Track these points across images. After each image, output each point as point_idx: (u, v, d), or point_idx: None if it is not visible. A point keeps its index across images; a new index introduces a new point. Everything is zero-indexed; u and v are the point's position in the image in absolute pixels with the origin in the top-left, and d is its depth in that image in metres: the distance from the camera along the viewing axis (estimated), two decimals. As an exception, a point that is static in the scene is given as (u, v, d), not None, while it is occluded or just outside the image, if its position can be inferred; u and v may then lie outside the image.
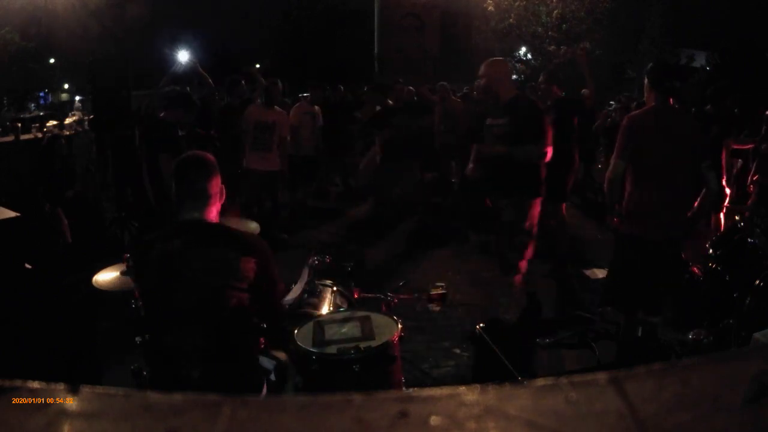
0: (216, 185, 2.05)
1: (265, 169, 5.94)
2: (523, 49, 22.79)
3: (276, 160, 6.04)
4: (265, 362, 2.28)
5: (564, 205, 5.61)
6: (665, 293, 3.44)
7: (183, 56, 8.64)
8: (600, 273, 5.29)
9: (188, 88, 5.80)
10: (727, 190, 4.93)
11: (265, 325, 2.20)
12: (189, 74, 6.39)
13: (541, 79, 5.61)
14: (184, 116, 4.46)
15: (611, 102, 16.34)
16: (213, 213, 2.05)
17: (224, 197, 2.11)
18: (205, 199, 2.01)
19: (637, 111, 3.27)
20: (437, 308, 4.59)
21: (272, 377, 2.27)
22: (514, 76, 23.23)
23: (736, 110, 6.09)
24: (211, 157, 2.13)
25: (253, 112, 5.98)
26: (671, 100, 3.13)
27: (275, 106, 6.16)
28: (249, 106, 6.05)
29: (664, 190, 3.08)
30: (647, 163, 3.07)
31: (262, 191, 6.12)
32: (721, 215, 5.12)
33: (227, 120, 6.00)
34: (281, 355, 2.43)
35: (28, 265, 3.39)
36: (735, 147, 5.36)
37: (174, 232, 1.99)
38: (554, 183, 5.41)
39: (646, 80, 3.21)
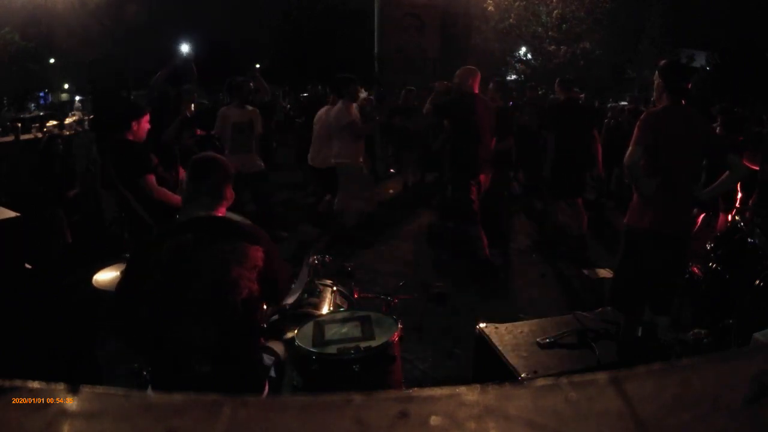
0: (229, 189, 2.15)
1: (246, 172, 5.77)
2: (523, 49, 22.80)
3: (257, 160, 6.01)
4: (266, 359, 2.30)
5: (580, 200, 6.02)
6: (672, 292, 3.46)
7: (184, 48, 8.77)
8: (600, 273, 5.30)
9: (178, 86, 5.76)
10: (739, 194, 4.93)
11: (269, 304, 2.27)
12: (185, 69, 6.35)
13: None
14: (139, 127, 4.03)
15: (611, 103, 16.36)
16: (221, 213, 2.12)
17: (232, 200, 2.16)
18: (216, 199, 2.10)
19: (655, 108, 3.29)
20: (437, 308, 4.59)
21: (272, 373, 2.28)
22: (514, 76, 23.29)
23: (735, 109, 6.12)
24: (226, 160, 2.23)
25: (229, 114, 5.85)
26: (683, 100, 3.15)
27: (247, 105, 6.04)
28: (222, 108, 6.00)
29: (675, 189, 3.11)
30: (660, 162, 3.09)
31: (249, 192, 6.08)
32: (729, 216, 5.13)
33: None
34: (278, 347, 2.44)
35: (28, 265, 3.39)
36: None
37: (184, 227, 2.02)
38: (568, 180, 5.81)
39: (658, 79, 3.21)
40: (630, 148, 3.15)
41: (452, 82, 5.49)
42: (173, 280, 1.90)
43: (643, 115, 3.26)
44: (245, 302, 1.93)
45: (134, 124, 4.00)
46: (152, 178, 3.92)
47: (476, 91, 5.27)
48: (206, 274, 1.90)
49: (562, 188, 5.94)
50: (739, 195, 4.92)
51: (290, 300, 2.92)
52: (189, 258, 1.92)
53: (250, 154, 5.92)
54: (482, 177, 5.43)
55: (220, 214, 2.09)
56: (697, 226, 4.60)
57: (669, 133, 3.09)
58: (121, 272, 2.09)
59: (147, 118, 4.09)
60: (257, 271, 1.96)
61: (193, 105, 5.65)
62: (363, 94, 8.48)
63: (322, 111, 6.28)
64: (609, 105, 11.66)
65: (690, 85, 3.24)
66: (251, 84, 6.28)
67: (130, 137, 3.99)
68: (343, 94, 5.99)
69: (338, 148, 5.95)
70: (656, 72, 3.26)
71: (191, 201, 2.09)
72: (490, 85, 7.21)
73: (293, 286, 3.13)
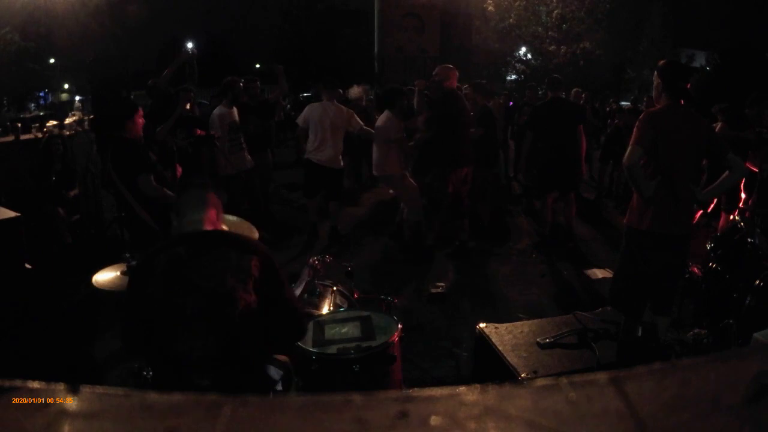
0: (212, 195, 2.15)
1: (245, 169, 5.89)
2: (523, 49, 22.80)
3: (249, 158, 6.03)
4: (272, 371, 2.28)
5: (573, 194, 6.30)
6: (672, 292, 3.46)
7: (189, 45, 8.89)
8: (600, 273, 5.30)
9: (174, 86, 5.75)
10: (742, 194, 4.94)
11: (284, 334, 2.20)
12: (187, 67, 6.32)
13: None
14: (134, 126, 4.03)
15: (611, 101, 16.35)
16: (211, 221, 2.11)
17: (220, 204, 2.16)
18: (203, 210, 2.10)
19: (654, 108, 3.28)
20: (437, 308, 4.59)
21: (279, 387, 2.26)
22: (514, 76, 23.30)
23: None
24: (203, 172, 2.22)
25: (223, 114, 5.82)
26: (683, 100, 3.15)
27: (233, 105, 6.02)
28: (216, 110, 5.96)
29: (674, 189, 3.10)
30: (659, 162, 3.09)
31: (245, 191, 6.07)
32: (731, 217, 5.13)
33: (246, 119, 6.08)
34: (284, 359, 2.43)
35: (28, 265, 3.40)
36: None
37: (177, 241, 2.02)
38: (556, 174, 6.04)
39: (657, 79, 3.20)
40: (629, 148, 3.14)
41: (432, 80, 5.70)
42: (169, 294, 1.89)
43: (641, 115, 3.24)
44: (243, 314, 1.92)
45: (128, 123, 4.01)
46: (151, 177, 3.92)
47: (455, 86, 5.68)
48: (201, 287, 1.89)
49: (551, 182, 6.16)
50: (743, 196, 4.92)
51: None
52: (183, 272, 1.91)
53: (244, 152, 5.95)
54: (466, 169, 5.74)
55: (210, 226, 2.09)
56: (694, 224, 4.62)
57: (668, 133, 3.08)
58: (122, 301, 2.09)
59: (140, 113, 4.10)
60: (254, 281, 1.95)
61: (189, 104, 5.63)
62: (356, 90, 8.48)
63: (318, 107, 6.06)
64: (616, 107, 11.69)
65: (689, 85, 3.23)
66: (241, 84, 6.26)
67: (128, 136, 4.00)
68: (394, 106, 5.91)
69: (382, 159, 5.86)
70: (655, 72, 3.26)
71: (182, 213, 2.11)
72: (465, 87, 7.38)
73: (293, 286, 3.13)
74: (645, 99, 10.67)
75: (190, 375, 1.87)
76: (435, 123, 5.59)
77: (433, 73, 5.66)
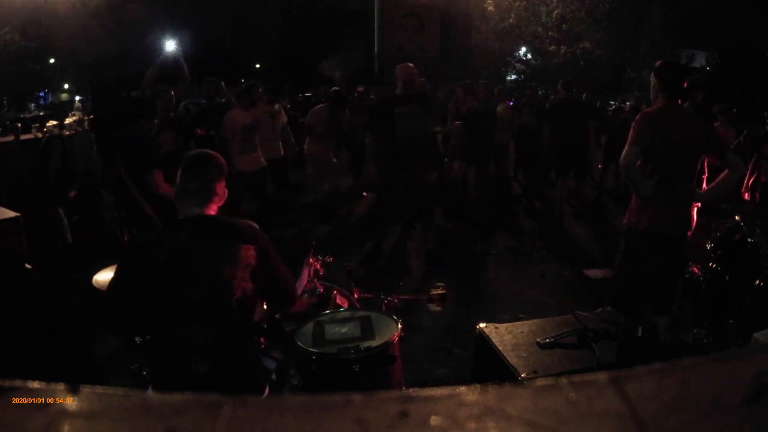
0: (221, 186, 2.13)
1: (255, 169, 5.95)
2: (523, 49, 22.80)
3: (261, 156, 6.10)
4: (267, 362, 2.30)
5: (583, 182, 7.23)
6: (672, 292, 3.45)
7: (170, 46, 8.89)
8: (600, 273, 5.30)
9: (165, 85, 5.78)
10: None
11: (277, 304, 2.35)
12: (175, 68, 6.33)
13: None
14: (147, 124, 4.12)
15: (611, 102, 16.35)
16: (213, 211, 2.10)
17: (225, 197, 2.15)
18: (208, 197, 2.08)
19: (651, 108, 3.26)
20: (437, 308, 4.60)
21: (273, 377, 2.28)
22: (514, 76, 23.31)
23: (734, 110, 6.13)
24: (220, 157, 2.19)
25: (238, 116, 5.89)
26: (680, 100, 3.14)
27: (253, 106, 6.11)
28: (231, 111, 6.02)
29: (673, 189, 3.10)
30: (657, 162, 3.08)
31: (254, 190, 6.12)
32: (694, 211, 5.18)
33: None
34: (280, 356, 2.44)
35: (28, 265, 3.40)
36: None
37: (178, 227, 2.01)
38: (568, 161, 6.82)
39: (654, 79, 3.19)
40: (626, 148, 3.12)
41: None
42: (170, 280, 1.90)
43: (638, 115, 3.23)
44: (239, 302, 1.93)
45: (143, 122, 4.03)
46: (160, 174, 3.92)
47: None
48: (201, 275, 1.91)
49: (565, 167, 6.99)
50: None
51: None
52: (184, 258, 1.92)
53: (256, 153, 5.98)
54: (403, 174, 5.60)
55: (210, 212, 2.08)
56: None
57: (666, 133, 3.07)
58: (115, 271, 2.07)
59: (155, 116, 4.15)
60: (250, 270, 1.96)
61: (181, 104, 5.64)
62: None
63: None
64: (613, 107, 11.76)
65: (686, 84, 3.22)
66: (260, 89, 6.33)
67: (138, 134, 4.03)
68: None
69: None
70: (652, 72, 3.25)
71: (182, 198, 2.07)
72: (457, 90, 7.76)
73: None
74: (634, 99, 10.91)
75: (188, 361, 1.88)
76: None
77: None
